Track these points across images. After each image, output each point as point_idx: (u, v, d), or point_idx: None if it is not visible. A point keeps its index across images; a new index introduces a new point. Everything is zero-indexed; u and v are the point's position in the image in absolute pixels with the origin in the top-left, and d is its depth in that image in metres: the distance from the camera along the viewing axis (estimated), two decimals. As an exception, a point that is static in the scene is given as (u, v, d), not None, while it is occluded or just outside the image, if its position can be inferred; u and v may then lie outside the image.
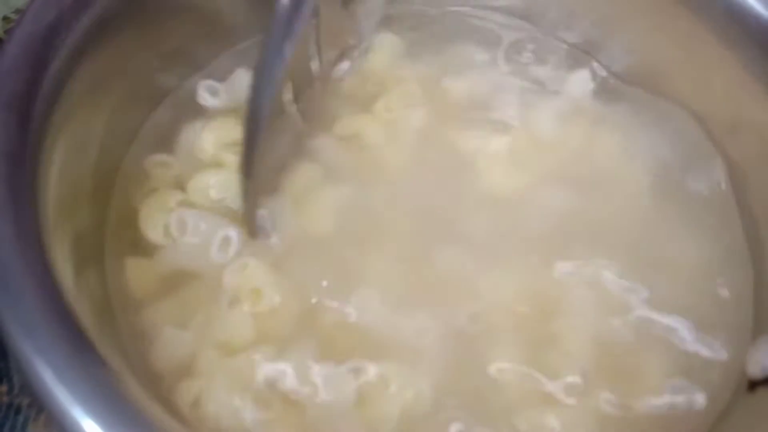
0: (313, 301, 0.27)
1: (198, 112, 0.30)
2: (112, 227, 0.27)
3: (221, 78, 0.31)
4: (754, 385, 0.26)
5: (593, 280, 0.28)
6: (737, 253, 0.29)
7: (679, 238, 0.29)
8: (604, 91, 0.32)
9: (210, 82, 0.31)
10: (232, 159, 0.28)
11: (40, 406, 0.27)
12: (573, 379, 0.26)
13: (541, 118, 0.31)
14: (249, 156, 0.26)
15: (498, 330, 0.27)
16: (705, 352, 0.27)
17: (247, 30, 0.31)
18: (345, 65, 0.31)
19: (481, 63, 0.33)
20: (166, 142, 0.29)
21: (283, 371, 0.25)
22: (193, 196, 0.28)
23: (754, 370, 0.26)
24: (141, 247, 0.27)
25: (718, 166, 0.30)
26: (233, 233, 0.27)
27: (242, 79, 0.30)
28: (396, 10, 0.33)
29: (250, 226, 0.27)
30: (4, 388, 0.29)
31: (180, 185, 0.29)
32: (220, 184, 0.28)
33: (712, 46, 0.29)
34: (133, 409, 0.19)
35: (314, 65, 0.29)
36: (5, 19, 0.34)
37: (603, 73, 0.33)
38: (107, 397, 0.19)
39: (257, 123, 0.26)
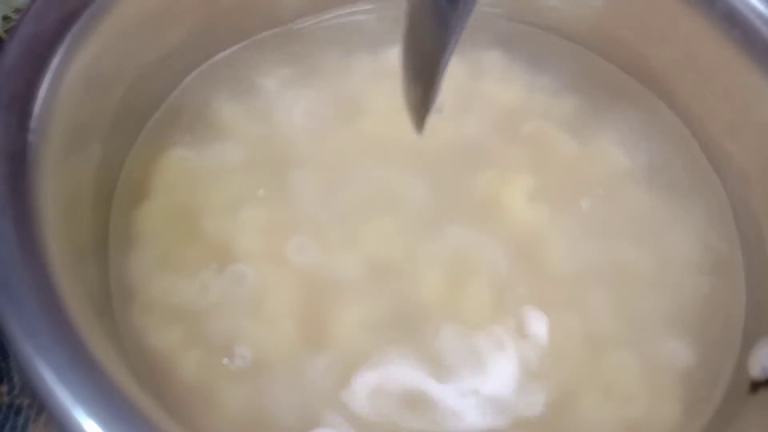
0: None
1: (200, 112, 0.30)
2: (115, 227, 0.27)
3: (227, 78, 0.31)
4: (756, 386, 0.26)
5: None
6: (730, 253, 0.30)
7: (673, 239, 0.30)
8: (598, 96, 0.32)
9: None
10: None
11: (41, 406, 0.27)
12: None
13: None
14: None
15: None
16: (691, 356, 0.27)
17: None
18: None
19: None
20: (170, 140, 0.29)
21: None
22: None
23: (756, 371, 0.26)
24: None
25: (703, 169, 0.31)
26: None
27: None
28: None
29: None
30: (5, 388, 0.29)
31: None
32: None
33: (714, 46, 0.29)
34: (134, 409, 0.19)
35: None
36: (6, 18, 0.34)
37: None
38: (108, 397, 0.19)
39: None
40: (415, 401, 0.25)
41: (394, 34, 0.32)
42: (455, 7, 0.20)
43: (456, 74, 0.31)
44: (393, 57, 0.32)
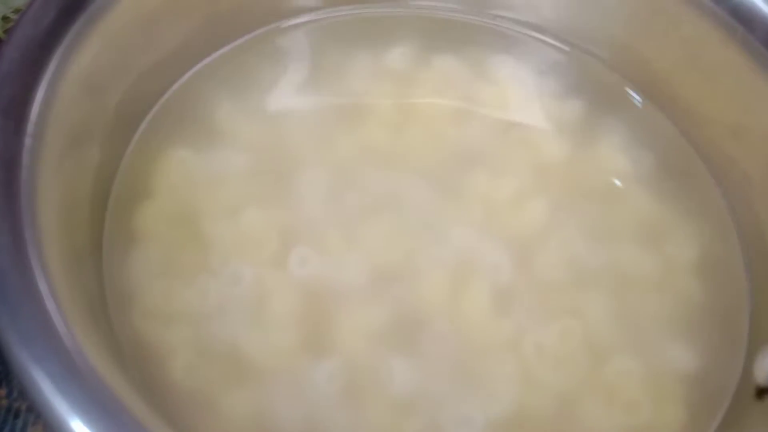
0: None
1: (199, 112, 0.30)
2: (112, 231, 0.27)
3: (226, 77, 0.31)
4: (761, 392, 0.25)
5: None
6: (732, 258, 0.29)
7: (675, 243, 0.29)
8: (600, 100, 0.32)
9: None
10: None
11: (37, 414, 0.27)
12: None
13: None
14: None
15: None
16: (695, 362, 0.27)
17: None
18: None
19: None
20: (169, 141, 0.29)
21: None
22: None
23: (761, 377, 0.25)
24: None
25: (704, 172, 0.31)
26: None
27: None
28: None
29: None
30: (3, 391, 0.29)
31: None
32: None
33: (716, 49, 0.29)
34: (132, 419, 0.19)
35: None
36: (5, 18, 0.34)
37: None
38: (106, 407, 0.19)
39: None
40: (417, 406, 0.25)
41: (394, 34, 0.33)
42: None
43: (459, 77, 0.32)
44: (393, 57, 0.32)
